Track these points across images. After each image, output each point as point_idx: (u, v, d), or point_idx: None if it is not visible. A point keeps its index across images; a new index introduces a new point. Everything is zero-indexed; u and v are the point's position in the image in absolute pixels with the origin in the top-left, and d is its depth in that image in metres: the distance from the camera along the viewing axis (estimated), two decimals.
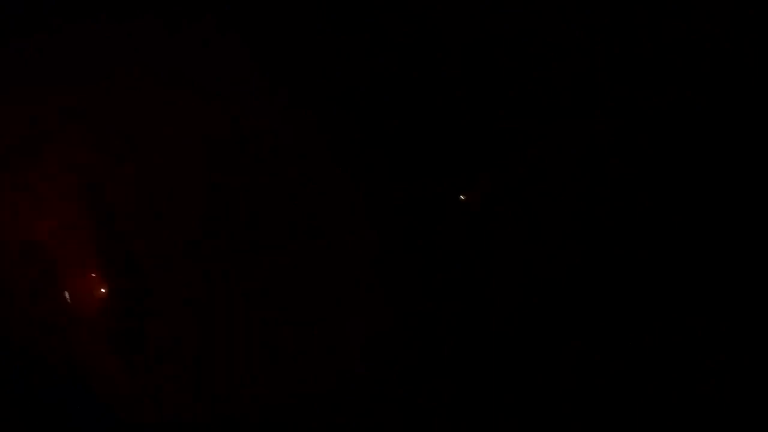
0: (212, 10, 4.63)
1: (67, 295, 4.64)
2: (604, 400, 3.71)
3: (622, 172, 3.90)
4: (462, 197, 3.96)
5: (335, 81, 4.41)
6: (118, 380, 4.48)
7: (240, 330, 4.39)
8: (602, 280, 3.84)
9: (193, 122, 4.68)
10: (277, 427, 4.17)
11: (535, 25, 4.08)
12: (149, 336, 4.54)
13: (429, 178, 4.18)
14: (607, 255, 3.87)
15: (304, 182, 4.45)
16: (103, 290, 4.66)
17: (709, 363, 3.62)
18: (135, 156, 4.77)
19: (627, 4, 3.98)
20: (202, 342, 4.46)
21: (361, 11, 4.37)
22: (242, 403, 4.27)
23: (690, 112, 3.85)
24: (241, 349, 4.38)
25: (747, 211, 3.74)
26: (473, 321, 4.00)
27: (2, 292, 4.55)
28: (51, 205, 4.73)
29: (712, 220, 3.78)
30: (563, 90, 4.02)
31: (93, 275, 4.70)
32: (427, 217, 4.17)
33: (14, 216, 4.64)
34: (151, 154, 4.73)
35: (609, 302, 3.80)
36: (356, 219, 4.31)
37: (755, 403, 3.54)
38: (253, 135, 4.57)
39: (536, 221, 4.00)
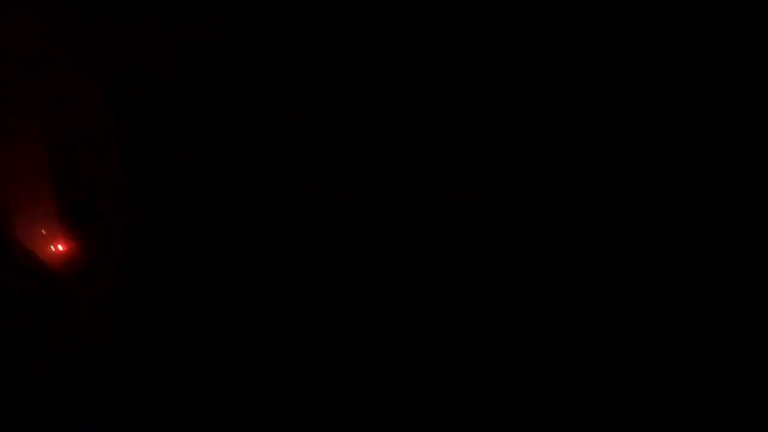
0: (212, 10, 4.63)
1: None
2: (604, 400, 3.71)
3: (622, 172, 3.90)
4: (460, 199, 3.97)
5: (335, 81, 4.41)
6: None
7: (238, 330, 4.39)
8: (602, 280, 3.84)
9: (192, 121, 4.68)
10: (277, 427, 4.17)
11: (535, 25, 4.08)
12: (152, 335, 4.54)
13: (429, 178, 4.18)
14: (607, 255, 3.86)
15: (303, 182, 4.45)
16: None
17: (709, 363, 3.62)
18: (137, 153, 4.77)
19: (627, 4, 3.98)
20: (201, 342, 4.46)
21: (361, 11, 4.37)
22: (241, 402, 4.27)
23: (690, 112, 3.85)
24: (239, 348, 4.38)
25: (747, 211, 3.74)
26: (473, 321, 4.00)
27: None
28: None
29: (712, 220, 3.78)
30: (563, 90, 4.02)
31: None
32: (427, 217, 4.17)
33: None
34: (152, 155, 4.73)
35: (609, 302, 3.80)
36: (356, 219, 4.31)
37: (755, 403, 3.54)
38: (253, 135, 4.57)
39: (536, 221, 4.00)
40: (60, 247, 4.69)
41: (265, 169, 4.50)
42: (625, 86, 3.96)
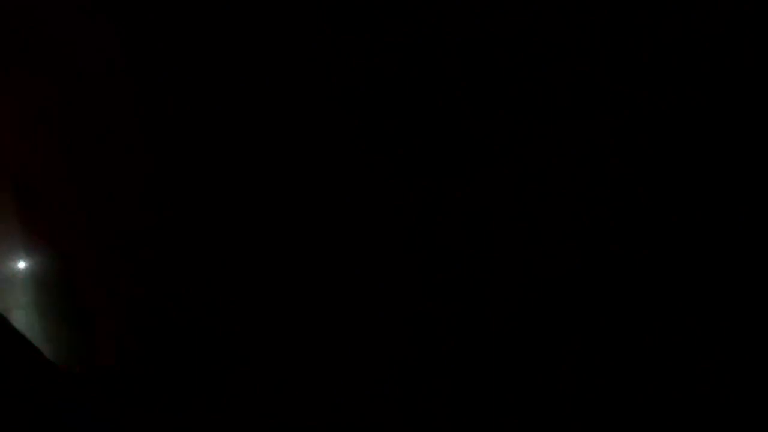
0: (215, 10, 4.65)
1: None
2: (604, 400, 3.71)
3: (622, 172, 3.90)
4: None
5: (335, 81, 4.42)
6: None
7: (239, 330, 4.40)
8: (602, 280, 3.84)
9: (192, 121, 4.69)
10: (277, 427, 4.17)
11: (535, 25, 4.09)
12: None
13: (429, 178, 4.19)
14: (607, 255, 3.87)
15: (303, 182, 4.46)
16: None
17: (709, 363, 3.62)
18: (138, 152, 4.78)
19: (627, 4, 3.98)
20: (202, 342, 4.47)
21: (361, 11, 4.37)
22: (242, 402, 4.28)
23: (690, 112, 3.85)
24: (239, 348, 4.38)
25: (747, 211, 3.74)
26: (473, 321, 4.00)
27: None
28: None
29: (712, 220, 3.78)
30: (563, 90, 4.03)
31: None
32: (427, 217, 4.17)
33: None
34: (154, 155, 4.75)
35: (609, 302, 3.81)
36: (356, 219, 4.32)
37: (755, 403, 3.54)
38: (253, 135, 4.58)
39: (536, 221, 4.00)
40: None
41: (266, 169, 4.52)
42: (625, 86, 3.96)
